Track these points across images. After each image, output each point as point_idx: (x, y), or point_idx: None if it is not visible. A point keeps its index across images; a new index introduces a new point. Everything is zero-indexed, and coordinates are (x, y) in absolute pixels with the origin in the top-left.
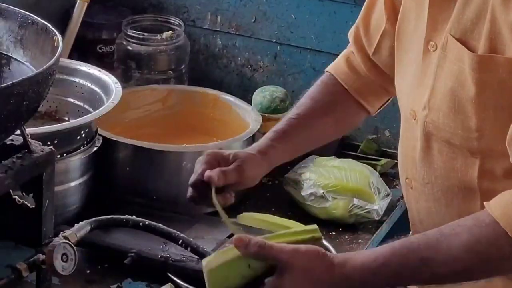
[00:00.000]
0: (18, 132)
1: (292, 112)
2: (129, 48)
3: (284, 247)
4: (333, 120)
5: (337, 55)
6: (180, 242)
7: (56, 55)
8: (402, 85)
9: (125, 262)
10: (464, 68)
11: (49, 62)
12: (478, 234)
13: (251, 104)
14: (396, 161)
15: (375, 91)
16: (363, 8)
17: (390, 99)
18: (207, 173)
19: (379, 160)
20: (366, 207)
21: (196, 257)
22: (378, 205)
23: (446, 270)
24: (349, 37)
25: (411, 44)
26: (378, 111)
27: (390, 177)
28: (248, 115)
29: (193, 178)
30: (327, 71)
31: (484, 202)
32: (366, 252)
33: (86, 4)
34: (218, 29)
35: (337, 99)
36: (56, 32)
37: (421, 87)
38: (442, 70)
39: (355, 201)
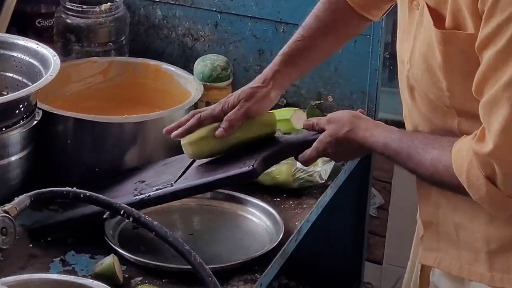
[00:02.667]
0: None
1: (298, 33)
2: (68, 21)
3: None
4: (335, 36)
5: (278, 22)
6: (122, 213)
7: None
8: (398, 25)
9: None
10: (432, 39)
11: None
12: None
13: (193, 74)
14: None
15: (379, 3)
16: None
17: (392, 5)
18: None
19: None
20: (309, 170)
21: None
22: (321, 168)
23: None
24: None
25: None
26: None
27: None
28: (189, 85)
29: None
30: None
31: (455, 142)
32: (382, 129)
33: None
34: (158, 0)
35: (340, 16)
36: None
37: (408, 40)
38: (420, 34)
39: (298, 164)
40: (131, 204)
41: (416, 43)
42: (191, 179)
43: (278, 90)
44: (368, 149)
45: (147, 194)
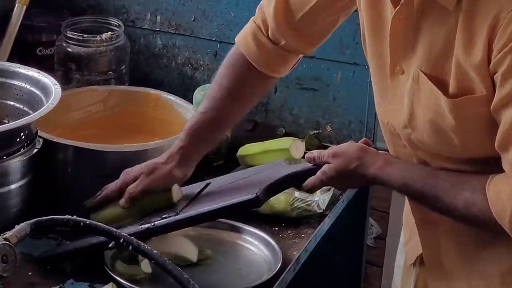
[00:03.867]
0: None
1: (202, 105)
2: (69, 50)
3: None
4: (242, 101)
5: None
6: (121, 241)
7: None
8: (374, 88)
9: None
10: (441, 105)
11: None
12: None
13: (192, 103)
14: None
15: (286, 60)
16: None
17: (299, 60)
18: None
19: None
20: (307, 200)
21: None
22: (319, 197)
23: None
24: (264, 9)
25: (373, 57)
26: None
27: None
28: (189, 114)
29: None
30: (236, 46)
31: (487, 185)
32: (397, 166)
33: (25, 6)
34: (158, 29)
35: (246, 80)
36: None
37: (394, 104)
38: (419, 100)
39: (296, 194)
40: (136, 233)
41: (417, 109)
42: (196, 208)
43: (185, 166)
44: (379, 184)
45: (152, 223)
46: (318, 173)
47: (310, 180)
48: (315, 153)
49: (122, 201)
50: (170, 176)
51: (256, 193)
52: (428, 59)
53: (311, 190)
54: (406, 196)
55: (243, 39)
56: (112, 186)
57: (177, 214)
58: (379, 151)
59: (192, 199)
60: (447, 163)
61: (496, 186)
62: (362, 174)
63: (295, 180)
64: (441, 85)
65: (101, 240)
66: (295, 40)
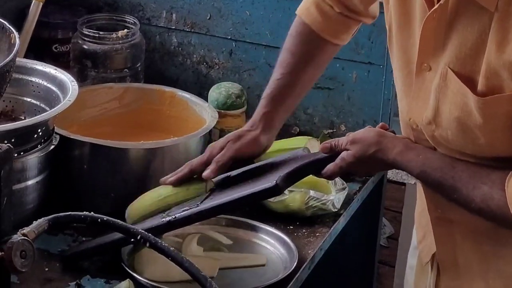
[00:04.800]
0: None
1: (277, 72)
2: (85, 47)
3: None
4: (313, 66)
5: None
6: (138, 238)
7: (14, 51)
8: (397, 84)
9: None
10: (468, 103)
11: (7, 59)
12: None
13: (207, 101)
14: None
15: (347, 28)
16: None
17: (359, 27)
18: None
19: None
20: (322, 199)
21: None
22: (334, 196)
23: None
24: None
25: (398, 53)
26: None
27: None
28: (204, 112)
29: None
30: (299, 17)
31: (506, 181)
32: (416, 153)
33: (41, 4)
34: (173, 27)
35: (314, 47)
36: (13, 30)
37: (418, 101)
38: (445, 97)
39: (311, 192)
40: (158, 227)
41: (442, 106)
42: (217, 199)
43: (269, 133)
44: (398, 169)
45: (173, 216)
46: (337, 159)
47: (329, 167)
48: (331, 141)
49: (207, 172)
50: (257, 142)
51: (276, 181)
52: (458, 57)
53: (330, 177)
54: (418, 198)
55: (306, 10)
56: (198, 160)
57: (198, 205)
58: (398, 135)
59: (213, 190)
60: (469, 160)
61: None
62: (381, 159)
63: (314, 168)
64: (470, 83)
65: (123, 236)
66: (348, 9)
